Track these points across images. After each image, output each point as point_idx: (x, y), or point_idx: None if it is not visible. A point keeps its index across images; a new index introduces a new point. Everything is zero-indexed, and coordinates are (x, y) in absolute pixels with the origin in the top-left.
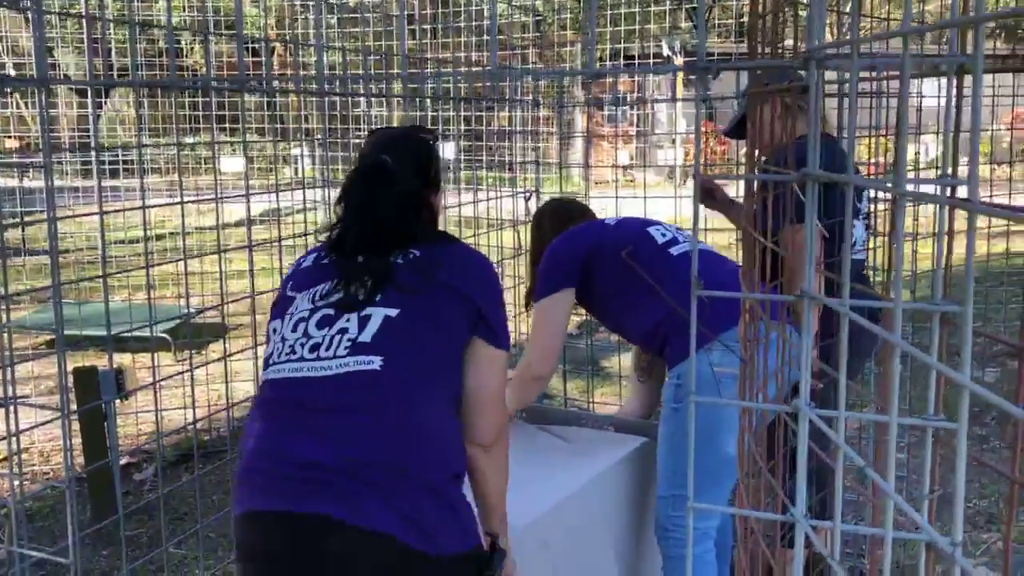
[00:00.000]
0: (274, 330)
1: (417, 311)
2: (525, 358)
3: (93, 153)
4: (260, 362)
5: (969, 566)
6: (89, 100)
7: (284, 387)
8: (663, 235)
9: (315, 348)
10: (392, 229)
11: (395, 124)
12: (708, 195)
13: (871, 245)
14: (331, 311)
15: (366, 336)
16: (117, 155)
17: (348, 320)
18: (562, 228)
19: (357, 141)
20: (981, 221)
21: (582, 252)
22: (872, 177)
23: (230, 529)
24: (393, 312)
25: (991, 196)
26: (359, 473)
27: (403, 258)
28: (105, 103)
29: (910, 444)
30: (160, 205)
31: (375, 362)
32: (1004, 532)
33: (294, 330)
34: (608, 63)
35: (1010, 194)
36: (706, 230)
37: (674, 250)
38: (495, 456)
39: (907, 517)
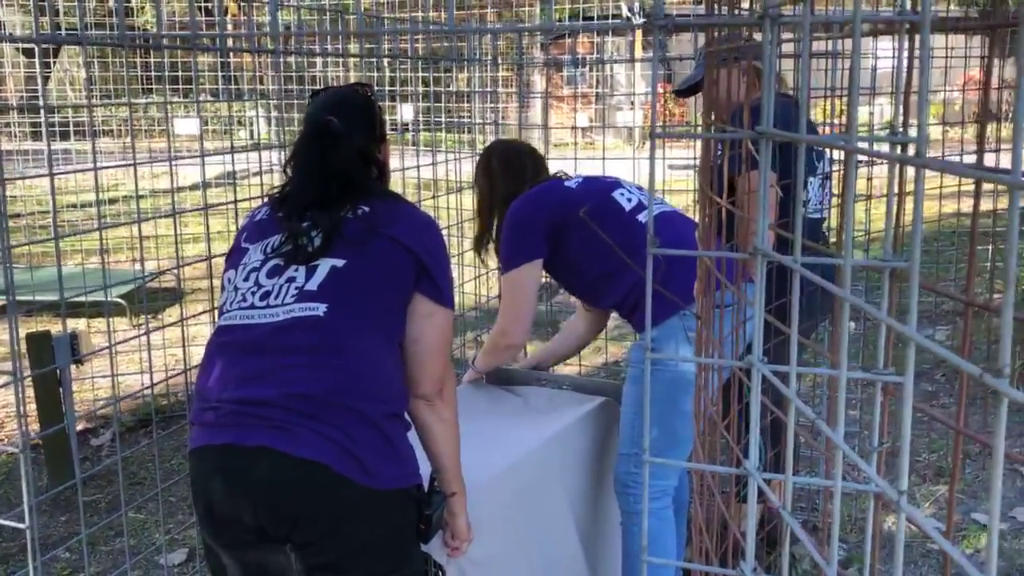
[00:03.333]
0: (228, 280)
1: (363, 261)
2: (498, 325)
3: (42, 113)
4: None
5: (915, 511)
6: (37, 60)
7: (234, 332)
8: (628, 200)
9: (265, 296)
10: (342, 185)
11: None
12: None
13: (832, 205)
14: (281, 261)
15: (312, 285)
16: (67, 117)
17: (297, 270)
18: (511, 170)
19: None
20: (932, 182)
21: (549, 222)
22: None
23: (190, 492)
24: (340, 262)
25: (943, 157)
26: (299, 407)
27: (352, 213)
28: (54, 64)
29: (861, 401)
30: (112, 167)
31: (319, 308)
32: (950, 481)
33: (246, 280)
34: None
35: (962, 155)
36: (664, 191)
37: (641, 216)
38: (439, 411)
39: (858, 471)
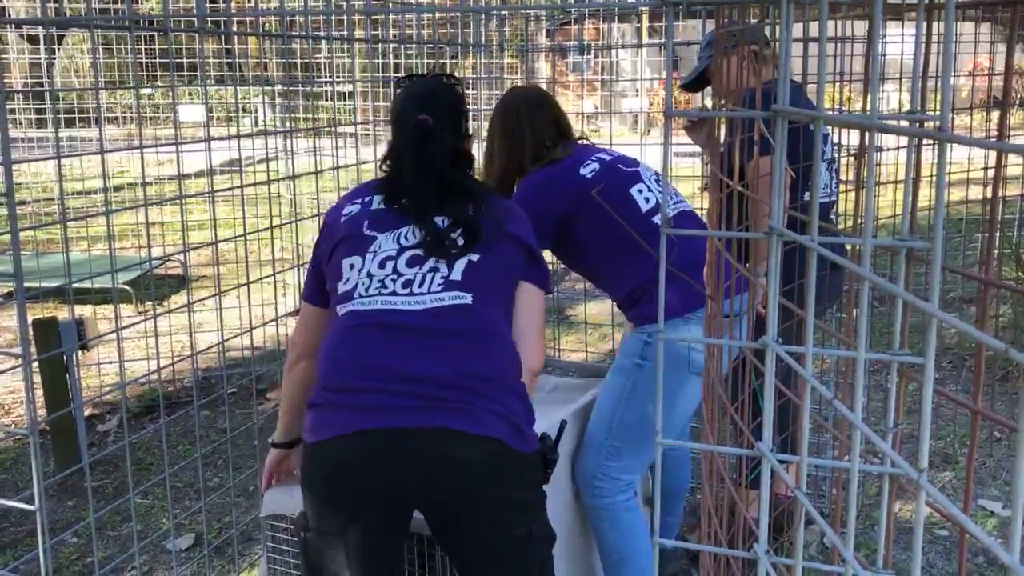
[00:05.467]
0: (351, 266)
1: (492, 256)
2: None
3: (47, 96)
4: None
5: (935, 491)
6: (41, 45)
7: (376, 316)
8: (646, 200)
9: (407, 284)
10: (449, 184)
11: (359, 71)
12: (695, 126)
13: (841, 190)
14: (420, 252)
15: (456, 275)
16: (72, 103)
17: (438, 261)
18: (507, 130)
19: (318, 90)
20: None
21: (559, 214)
22: (834, 129)
23: (197, 478)
24: (475, 257)
25: (951, 144)
26: (469, 385)
27: (476, 211)
28: (59, 51)
29: (869, 387)
30: (118, 151)
31: (467, 297)
32: (967, 460)
33: (381, 267)
34: (573, 8)
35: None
36: (674, 178)
37: (657, 219)
38: (533, 384)
39: (870, 458)
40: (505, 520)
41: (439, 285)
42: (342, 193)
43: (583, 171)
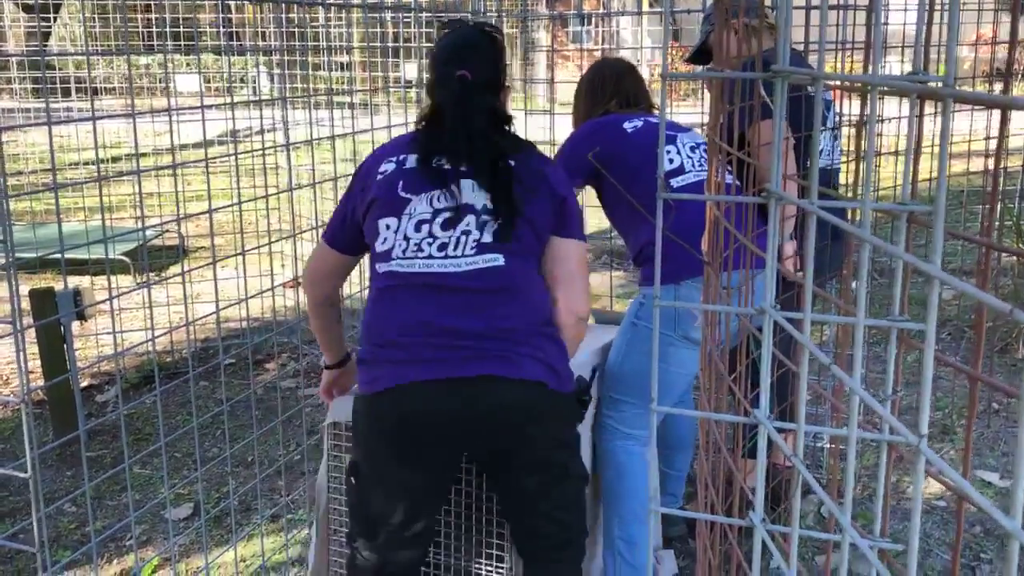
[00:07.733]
0: (387, 226)
1: (522, 219)
2: None
3: (41, 64)
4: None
5: (934, 455)
6: (36, 12)
7: (418, 277)
8: (671, 161)
9: (443, 247)
10: (486, 141)
11: (356, 40)
12: None
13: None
14: (453, 215)
15: (488, 238)
16: (69, 73)
17: (469, 223)
18: (592, 91)
19: (316, 60)
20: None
21: (589, 161)
22: (836, 97)
23: (195, 448)
24: (507, 217)
25: (953, 112)
26: (508, 336)
27: (506, 170)
28: (55, 20)
29: (868, 358)
30: (110, 116)
31: (499, 259)
32: (966, 427)
33: (417, 230)
34: None
35: (972, 112)
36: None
37: (676, 181)
38: (582, 327)
39: (868, 426)
40: (546, 459)
41: (472, 248)
42: (338, 164)
43: (626, 125)
